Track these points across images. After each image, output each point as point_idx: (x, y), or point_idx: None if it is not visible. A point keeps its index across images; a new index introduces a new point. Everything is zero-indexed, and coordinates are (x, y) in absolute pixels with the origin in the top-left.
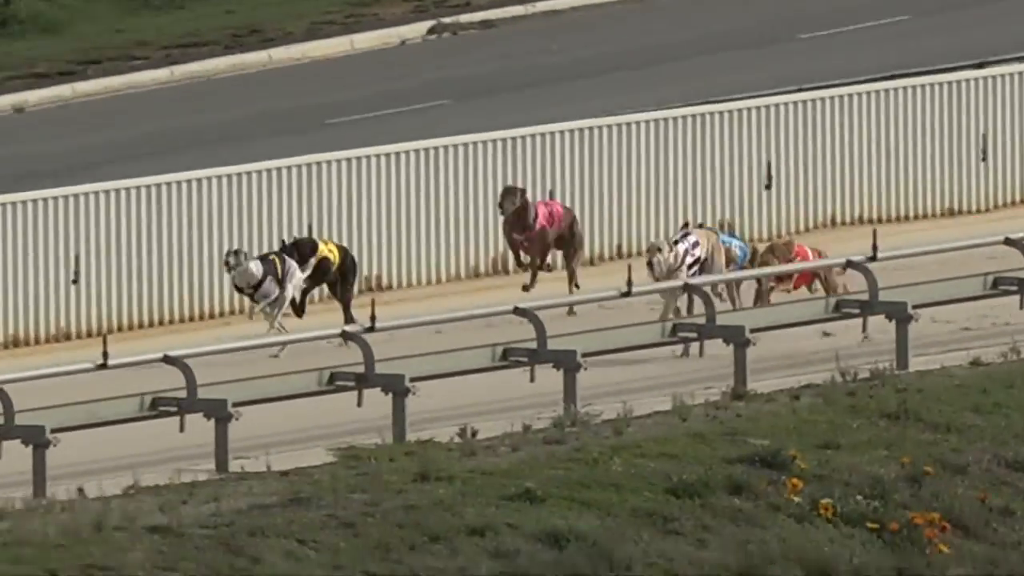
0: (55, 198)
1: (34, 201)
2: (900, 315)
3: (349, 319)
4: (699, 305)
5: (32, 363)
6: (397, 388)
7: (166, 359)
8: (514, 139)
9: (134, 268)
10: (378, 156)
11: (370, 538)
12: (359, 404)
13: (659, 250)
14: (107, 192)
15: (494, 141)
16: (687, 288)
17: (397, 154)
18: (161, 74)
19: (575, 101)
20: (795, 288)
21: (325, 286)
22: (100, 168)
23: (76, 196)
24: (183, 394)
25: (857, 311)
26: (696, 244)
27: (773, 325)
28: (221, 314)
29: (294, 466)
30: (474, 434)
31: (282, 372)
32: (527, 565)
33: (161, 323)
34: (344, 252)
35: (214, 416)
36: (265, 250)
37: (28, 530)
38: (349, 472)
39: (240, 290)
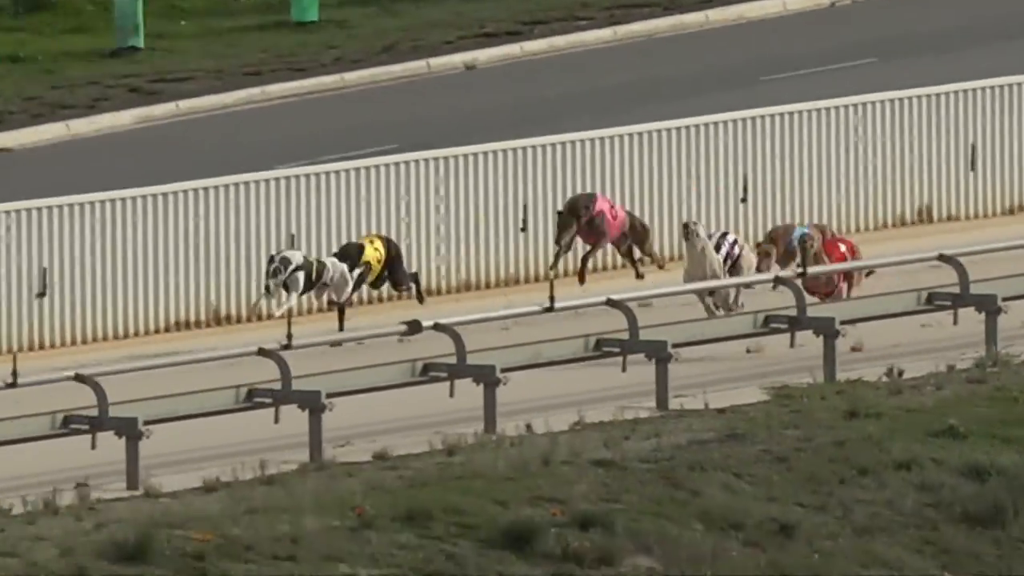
0: (505, 150)
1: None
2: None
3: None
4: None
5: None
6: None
7: None
8: (937, 95)
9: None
10: (810, 112)
11: (802, 472)
12: (792, 345)
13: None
14: (555, 145)
15: (917, 97)
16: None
17: (828, 109)
18: (604, 34)
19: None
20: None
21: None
22: (546, 122)
23: (525, 149)
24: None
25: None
26: (735, 242)
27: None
28: None
29: (730, 404)
30: (900, 374)
31: None
32: (950, 497)
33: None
34: (388, 243)
35: (655, 357)
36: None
37: (480, 463)
38: (782, 410)
39: (287, 288)
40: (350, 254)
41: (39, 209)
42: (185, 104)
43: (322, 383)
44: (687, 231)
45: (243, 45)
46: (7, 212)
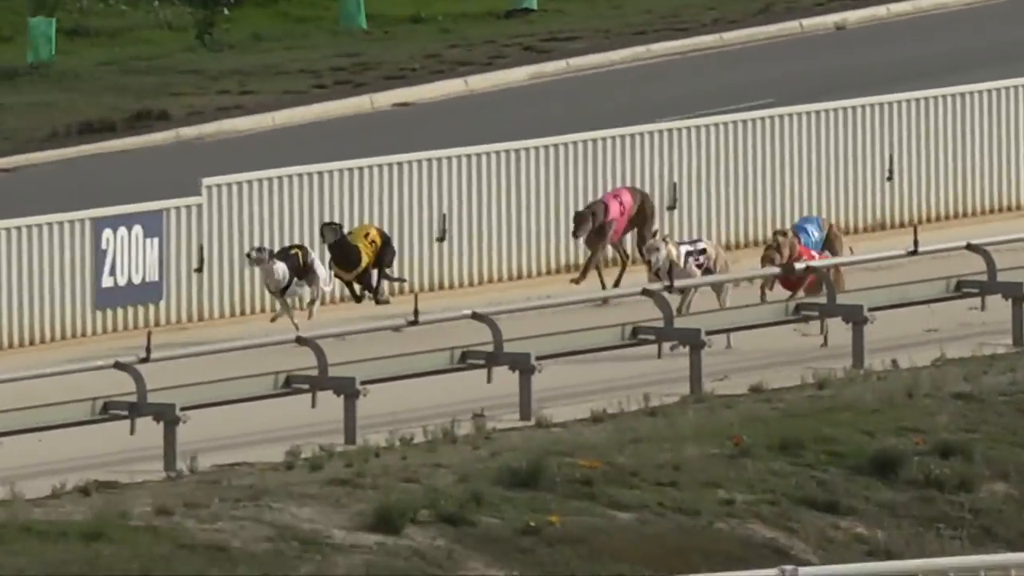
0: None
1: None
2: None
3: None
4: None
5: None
6: None
7: None
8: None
9: (946, 167)
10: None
11: None
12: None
13: (657, 249)
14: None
15: None
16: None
17: None
18: None
19: None
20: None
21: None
22: (909, 81)
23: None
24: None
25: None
26: (703, 251)
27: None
28: None
29: None
30: None
31: None
32: None
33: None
34: (384, 238)
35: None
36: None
37: (848, 396)
38: None
39: (271, 291)
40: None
41: (439, 159)
42: (574, 62)
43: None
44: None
45: (627, 7)
46: (409, 163)
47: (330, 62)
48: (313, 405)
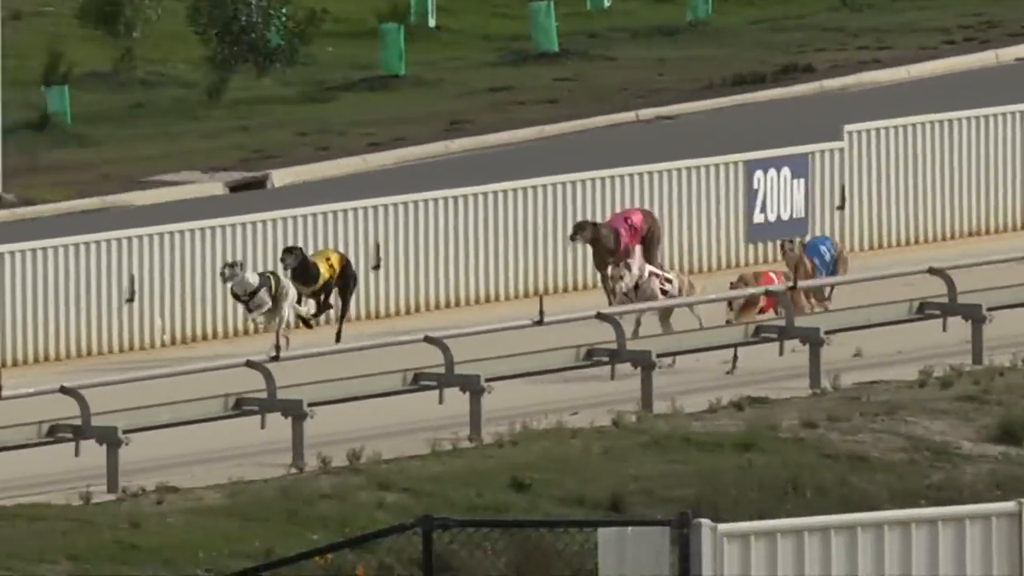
0: None
1: None
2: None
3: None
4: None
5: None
6: None
7: None
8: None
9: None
10: None
11: None
12: None
13: (621, 278)
14: None
15: None
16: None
17: None
18: None
19: None
20: (763, 312)
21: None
22: None
23: None
24: None
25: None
26: (669, 280)
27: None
28: None
29: None
30: None
31: None
32: None
33: None
34: (344, 262)
35: None
36: None
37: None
38: None
39: (237, 298)
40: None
41: None
42: None
43: None
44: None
45: None
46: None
47: (958, 20)
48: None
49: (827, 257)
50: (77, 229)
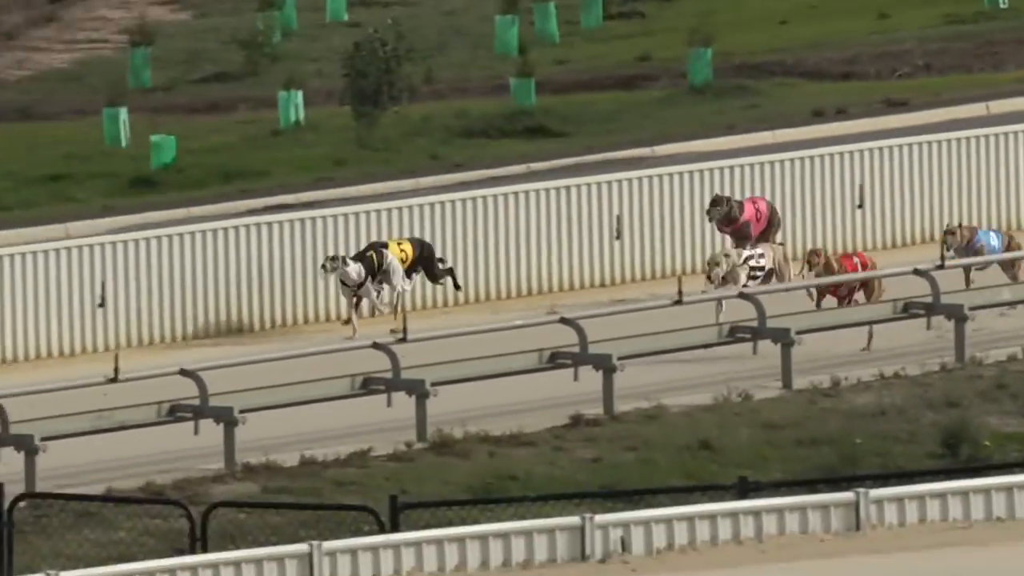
0: None
1: None
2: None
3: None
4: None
5: None
6: None
7: None
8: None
9: None
10: None
11: None
12: None
13: (716, 264)
14: None
15: None
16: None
17: None
18: None
19: None
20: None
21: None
22: None
23: None
24: None
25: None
26: (762, 255)
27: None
28: None
29: None
30: None
31: None
32: None
33: None
34: (420, 246)
35: None
36: None
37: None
38: None
39: (344, 285)
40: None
41: None
42: None
43: None
44: None
45: None
46: None
47: None
48: None
49: (995, 243)
50: None
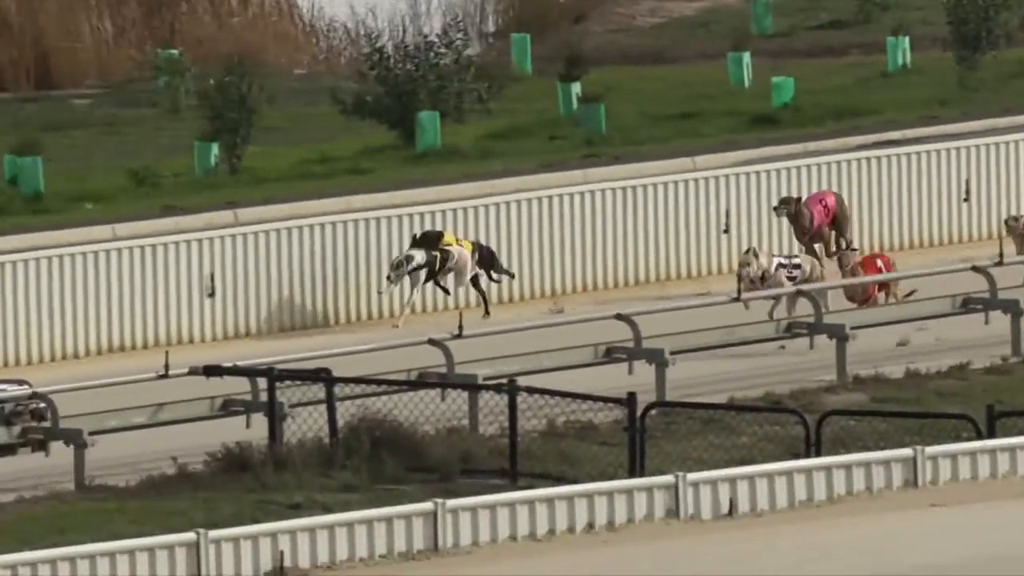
0: None
1: None
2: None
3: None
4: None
5: None
6: None
7: None
8: None
9: None
10: None
11: None
12: None
13: (748, 264)
14: None
15: None
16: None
17: None
18: None
19: None
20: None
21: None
22: None
23: None
24: None
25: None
26: (797, 265)
27: None
28: None
29: None
30: None
31: None
32: None
33: None
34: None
35: None
36: None
37: None
38: None
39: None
40: (429, 240)
41: None
42: None
43: None
44: None
45: None
46: None
47: None
48: None
49: None
50: None
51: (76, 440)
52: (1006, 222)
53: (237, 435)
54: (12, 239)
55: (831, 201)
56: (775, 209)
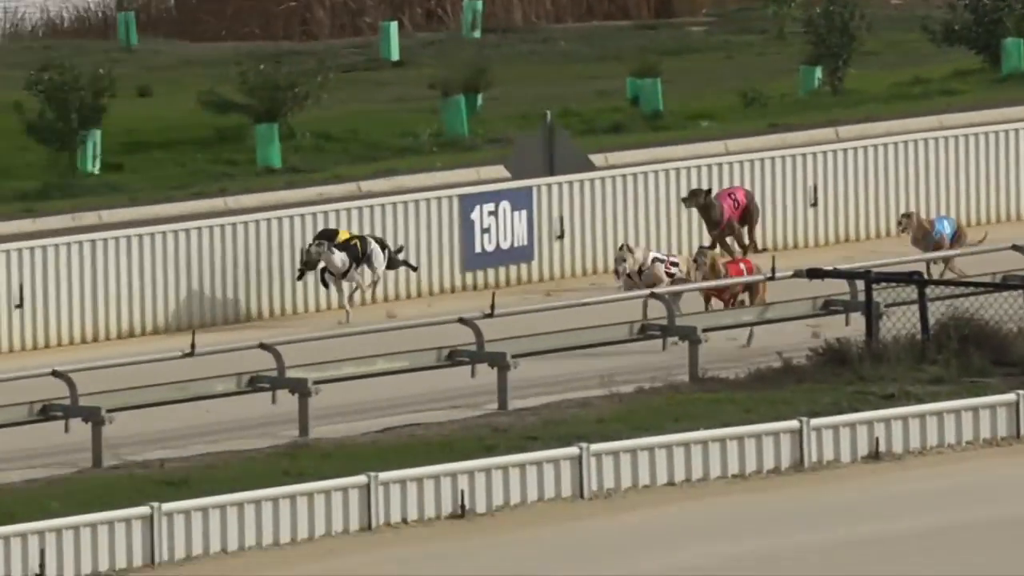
0: None
1: None
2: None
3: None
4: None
5: None
6: None
7: None
8: None
9: None
10: None
11: None
12: None
13: (623, 260)
14: None
15: None
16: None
17: None
18: None
19: None
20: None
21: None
22: None
23: None
24: None
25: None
26: (675, 263)
27: None
28: None
29: None
30: None
31: None
32: None
33: None
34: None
35: None
36: None
37: None
38: None
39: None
40: (327, 236)
41: None
42: None
43: None
44: None
45: None
46: None
47: None
48: None
49: (947, 231)
50: None
51: (691, 336)
52: (899, 221)
53: (836, 332)
54: (634, 153)
55: (740, 196)
56: (683, 200)
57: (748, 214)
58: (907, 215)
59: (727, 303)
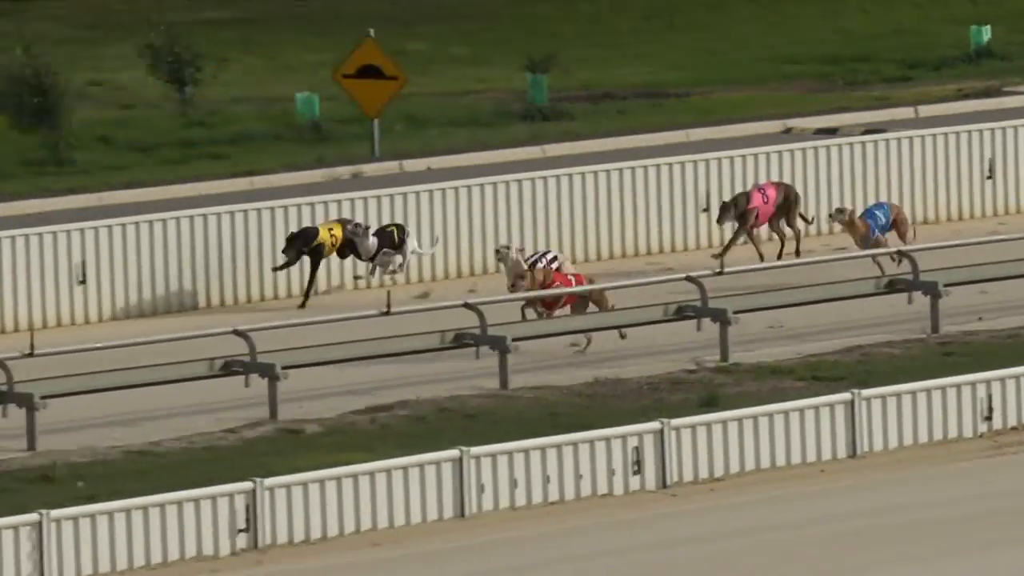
0: None
1: None
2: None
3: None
4: None
5: None
6: None
7: None
8: None
9: None
10: None
11: None
12: None
13: (503, 258)
14: None
15: None
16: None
17: None
18: None
19: None
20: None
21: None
22: None
23: None
24: None
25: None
26: (555, 259)
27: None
28: None
29: None
30: None
31: None
32: None
33: None
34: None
35: None
36: None
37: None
38: None
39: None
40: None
41: None
42: None
43: None
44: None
45: None
46: None
47: None
48: None
49: (883, 221)
50: None
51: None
52: (830, 215)
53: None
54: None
55: (771, 192)
56: (830, 216)
57: (785, 206)
58: (840, 210)
59: (551, 312)
